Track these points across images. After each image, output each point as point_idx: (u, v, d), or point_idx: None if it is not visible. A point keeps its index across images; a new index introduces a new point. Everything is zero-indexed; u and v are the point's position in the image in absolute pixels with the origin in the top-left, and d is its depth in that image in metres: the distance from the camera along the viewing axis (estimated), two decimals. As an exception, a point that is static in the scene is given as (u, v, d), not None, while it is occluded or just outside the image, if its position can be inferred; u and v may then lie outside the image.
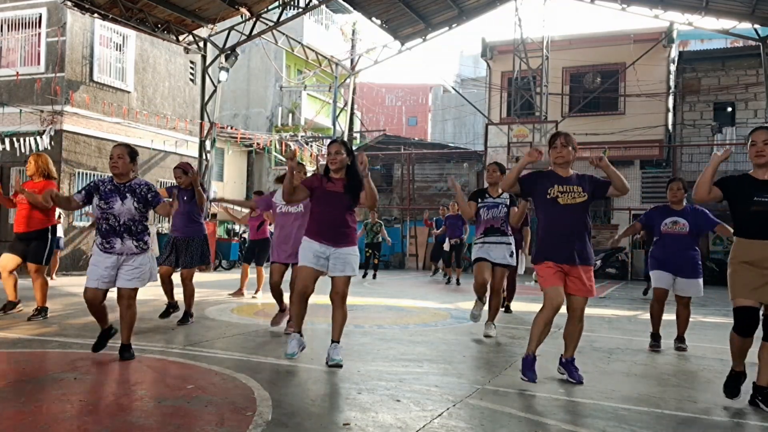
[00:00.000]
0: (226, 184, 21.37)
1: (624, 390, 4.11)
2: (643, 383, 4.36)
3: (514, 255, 6.34)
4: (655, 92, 18.64)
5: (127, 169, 4.53)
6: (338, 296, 4.52)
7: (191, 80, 17.95)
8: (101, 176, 4.67)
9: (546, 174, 4.24)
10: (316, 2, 17.30)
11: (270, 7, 16.14)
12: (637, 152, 18.47)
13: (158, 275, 5.10)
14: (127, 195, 4.48)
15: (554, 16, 76.69)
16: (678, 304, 5.65)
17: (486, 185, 6.39)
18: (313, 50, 20.13)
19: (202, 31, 16.32)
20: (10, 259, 6.41)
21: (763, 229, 3.64)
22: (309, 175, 5.19)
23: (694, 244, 5.52)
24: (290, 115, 24.91)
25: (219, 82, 16.93)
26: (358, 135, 25.59)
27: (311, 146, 22.10)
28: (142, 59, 16.36)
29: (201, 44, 16.63)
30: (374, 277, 14.45)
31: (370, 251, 14.52)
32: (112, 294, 4.59)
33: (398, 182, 22.51)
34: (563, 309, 4.11)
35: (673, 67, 19.12)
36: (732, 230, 4.88)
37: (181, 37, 15.94)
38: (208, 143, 16.85)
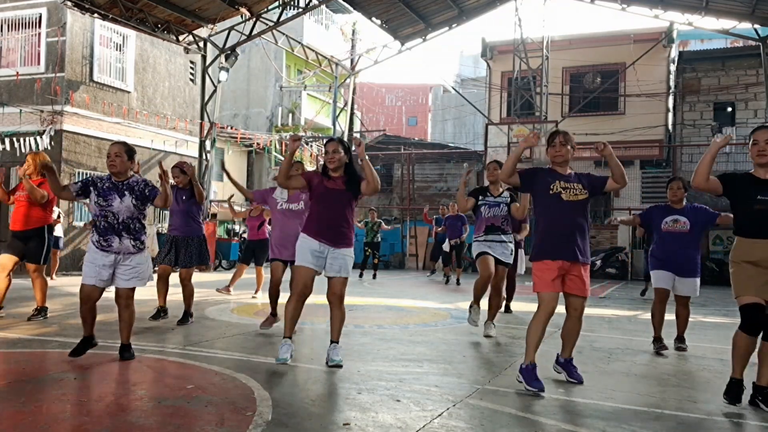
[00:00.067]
0: (226, 184, 21.30)
1: (624, 390, 4.10)
2: (643, 383, 4.35)
3: (513, 254, 6.34)
4: (655, 92, 18.65)
5: (124, 167, 4.50)
6: (336, 297, 4.51)
7: (191, 80, 17.96)
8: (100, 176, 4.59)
9: (546, 170, 4.23)
10: (316, 2, 17.30)
11: (270, 7, 16.14)
12: (637, 152, 18.47)
13: (154, 275, 5.04)
14: (126, 193, 4.46)
15: (554, 16, 76.75)
16: (677, 304, 5.65)
17: (486, 184, 6.37)
18: (313, 50, 20.13)
19: (202, 31, 16.32)
20: (9, 260, 6.31)
21: (765, 228, 3.62)
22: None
23: (695, 243, 5.52)
24: (290, 115, 24.91)
25: (219, 82, 16.93)
26: (358, 135, 25.59)
27: (311, 146, 22.11)
28: (142, 59, 16.36)
29: (201, 44, 16.64)
30: (374, 276, 14.43)
31: (369, 251, 14.50)
32: (108, 294, 4.57)
33: (398, 182, 22.52)
34: (562, 309, 4.10)
35: (673, 67, 19.13)
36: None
37: (181, 37, 15.95)
38: (208, 143, 16.86)
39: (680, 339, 5.71)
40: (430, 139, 33.14)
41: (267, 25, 16.76)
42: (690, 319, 5.81)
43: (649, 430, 3.25)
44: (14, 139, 13.83)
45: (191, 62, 17.85)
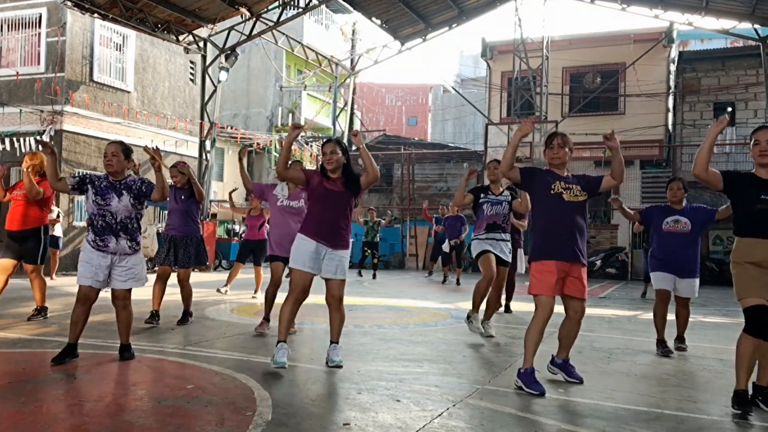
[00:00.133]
0: (226, 184, 21.35)
1: (624, 390, 4.10)
2: (643, 383, 4.35)
3: (512, 254, 6.34)
4: (655, 92, 18.65)
5: (121, 166, 4.47)
6: (335, 299, 4.48)
7: (191, 80, 17.96)
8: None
9: (545, 171, 4.22)
10: (316, 2, 17.31)
11: (270, 7, 16.14)
12: (637, 152, 18.46)
13: (147, 277, 4.94)
14: (124, 192, 4.42)
15: (554, 16, 76.72)
16: (677, 305, 5.64)
17: (487, 183, 6.34)
18: (313, 50, 20.13)
19: (202, 31, 16.32)
20: (9, 264, 6.23)
21: (767, 228, 3.56)
22: None
23: (696, 244, 5.51)
24: (290, 115, 24.91)
25: (219, 82, 16.93)
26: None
27: (311, 146, 22.11)
28: (142, 59, 16.36)
29: (201, 44, 16.64)
30: (374, 276, 14.42)
31: (368, 250, 14.48)
32: (105, 293, 4.56)
33: (398, 182, 22.51)
34: (559, 309, 4.09)
35: (673, 67, 19.13)
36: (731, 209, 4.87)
37: (181, 37, 15.95)
38: (208, 143, 16.86)
39: (680, 339, 5.72)
40: (430, 139, 33.14)
41: (267, 25, 16.77)
42: (690, 319, 5.81)
43: (649, 430, 3.25)
44: (14, 139, 13.83)
45: (191, 62, 17.85)
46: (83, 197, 4.50)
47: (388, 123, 36.87)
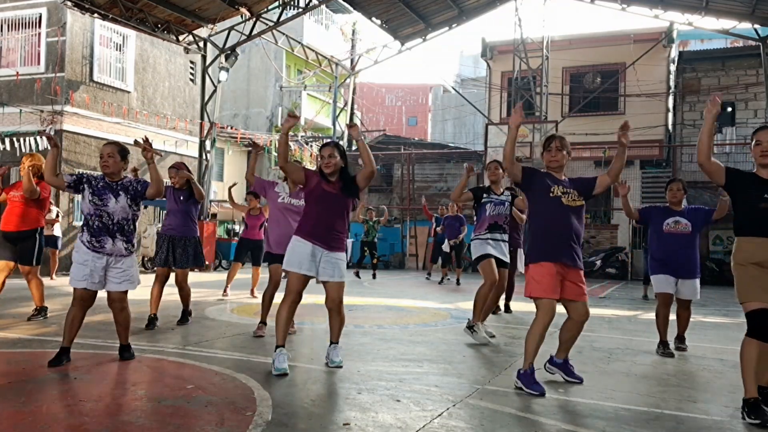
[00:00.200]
0: (226, 184, 21.33)
1: (624, 390, 4.10)
2: (643, 383, 4.35)
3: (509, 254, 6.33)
4: (655, 92, 18.64)
5: (117, 167, 4.44)
6: (335, 303, 4.44)
7: (191, 80, 17.96)
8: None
9: (545, 173, 4.21)
10: (316, 2, 17.31)
11: (270, 7, 16.15)
12: (637, 152, 18.44)
13: (140, 279, 4.78)
14: (120, 193, 4.40)
15: (554, 16, 76.71)
16: (679, 307, 5.63)
17: (487, 184, 6.31)
18: (313, 50, 20.14)
19: (202, 31, 16.32)
20: (6, 266, 6.21)
21: None
22: None
23: (696, 244, 5.51)
24: (290, 115, 24.88)
25: (219, 82, 16.94)
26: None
27: (311, 146, 22.11)
28: (142, 59, 16.36)
29: (201, 44, 16.64)
30: (374, 276, 14.41)
31: (367, 250, 14.44)
32: (102, 294, 4.54)
33: (398, 182, 22.51)
34: (561, 308, 4.09)
35: (673, 67, 19.13)
36: (727, 203, 4.81)
37: (181, 37, 15.95)
38: (208, 143, 16.86)
39: (681, 339, 5.71)
40: (430, 139, 33.14)
41: (267, 25, 16.77)
42: (690, 320, 5.80)
43: (649, 430, 3.25)
44: (14, 139, 13.83)
45: (191, 62, 17.85)
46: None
47: (388, 123, 36.88)
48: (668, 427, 3.32)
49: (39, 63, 14.44)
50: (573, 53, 19.43)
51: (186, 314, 6.40)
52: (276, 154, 21.58)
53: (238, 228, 19.17)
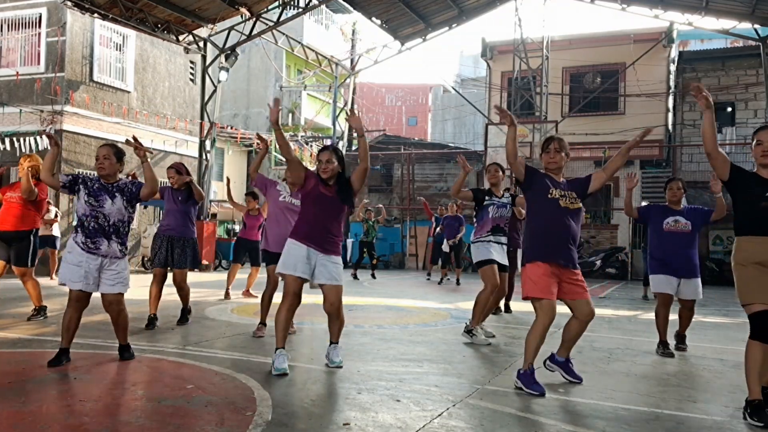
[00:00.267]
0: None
1: (624, 390, 4.10)
2: (643, 383, 4.35)
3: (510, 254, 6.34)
4: (655, 92, 18.65)
5: (113, 169, 4.42)
6: (333, 307, 4.41)
7: (191, 80, 17.96)
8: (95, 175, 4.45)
9: (544, 174, 4.21)
10: (316, 2, 17.31)
11: (270, 7, 16.15)
12: (637, 152, 18.44)
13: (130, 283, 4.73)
14: (116, 194, 4.38)
15: (554, 16, 76.66)
16: (682, 307, 5.60)
17: (487, 186, 6.29)
18: (313, 50, 20.13)
19: (202, 31, 16.33)
20: (1, 267, 6.22)
21: None
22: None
23: (695, 243, 5.51)
24: (290, 115, 24.91)
25: (219, 82, 16.94)
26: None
27: (311, 146, 22.11)
28: (142, 59, 16.37)
29: (201, 44, 16.65)
30: (373, 276, 14.39)
31: (365, 251, 14.42)
32: (98, 294, 4.52)
33: (398, 182, 22.51)
34: (560, 309, 4.08)
35: (673, 67, 19.13)
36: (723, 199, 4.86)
37: (181, 37, 15.96)
38: (208, 143, 16.87)
39: (681, 339, 5.70)
40: (430, 139, 33.11)
41: (267, 25, 16.77)
42: (692, 320, 5.78)
43: (649, 430, 3.25)
44: (14, 139, 13.83)
45: (191, 62, 17.86)
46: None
47: (388, 123, 36.86)
48: (668, 427, 3.32)
49: (39, 63, 14.44)
50: (573, 53, 19.43)
51: (185, 313, 6.39)
52: (276, 155, 21.64)
53: (238, 228, 19.15)
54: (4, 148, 13.89)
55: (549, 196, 4.06)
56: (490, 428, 3.18)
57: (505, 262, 6.07)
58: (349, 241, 19.77)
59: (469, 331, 5.82)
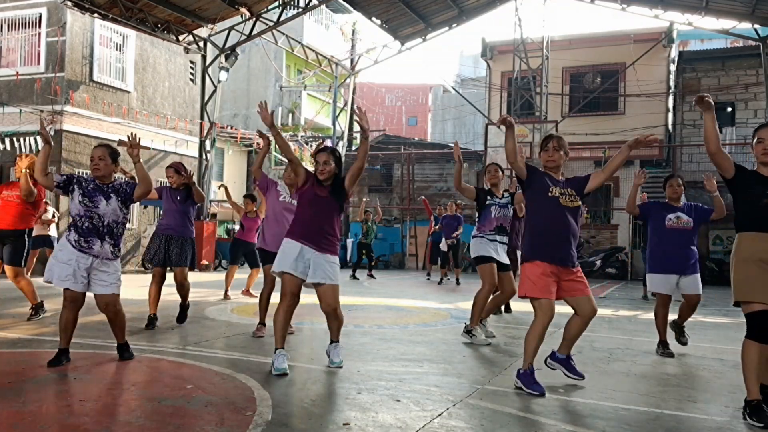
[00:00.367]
0: (226, 184, 21.37)
1: (624, 390, 4.10)
2: (643, 383, 4.35)
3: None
4: (655, 92, 18.65)
5: (108, 170, 4.40)
6: (330, 308, 4.41)
7: (191, 80, 17.96)
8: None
9: (544, 173, 4.21)
10: (316, 2, 17.32)
11: (270, 7, 16.16)
12: (636, 152, 18.30)
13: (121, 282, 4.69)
14: (111, 195, 4.36)
15: (554, 16, 76.64)
16: (686, 304, 5.53)
17: (487, 186, 6.29)
18: (313, 50, 20.13)
19: (202, 31, 16.33)
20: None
21: None
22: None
23: (695, 240, 5.51)
24: (290, 115, 24.91)
25: (219, 82, 16.94)
26: (358, 135, 25.59)
27: (311, 146, 22.10)
28: (142, 59, 16.36)
29: (201, 44, 16.65)
30: (372, 276, 14.37)
31: (364, 252, 14.40)
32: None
33: (398, 182, 22.50)
34: (560, 308, 4.08)
35: (673, 67, 19.13)
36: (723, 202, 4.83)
37: (181, 37, 15.96)
38: (208, 143, 16.87)
39: (680, 331, 5.62)
40: (430, 139, 33.10)
41: (267, 25, 16.77)
42: (690, 319, 5.77)
43: (649, 430, 3.25)
44: (14, 139, 13.83)
45: (191, 62, 17.85)
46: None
47: (388, 123, 36.85)
48: (668, 427, 3.31)
49: (39, 63, 14.44)
50: (573, 53, 19.43)
51: (184, 309, 6.36)
52: (276, 155, 21.65)
53: (238, 228, 19.13)
54: (4, 148, 13.88)
55: (549, 194, 4.06)
56: (490, 428, 3.18)
57: (505, 261, 6.06)
58: (349, 241, 19.78)
59: (468, 332, 5.83)
